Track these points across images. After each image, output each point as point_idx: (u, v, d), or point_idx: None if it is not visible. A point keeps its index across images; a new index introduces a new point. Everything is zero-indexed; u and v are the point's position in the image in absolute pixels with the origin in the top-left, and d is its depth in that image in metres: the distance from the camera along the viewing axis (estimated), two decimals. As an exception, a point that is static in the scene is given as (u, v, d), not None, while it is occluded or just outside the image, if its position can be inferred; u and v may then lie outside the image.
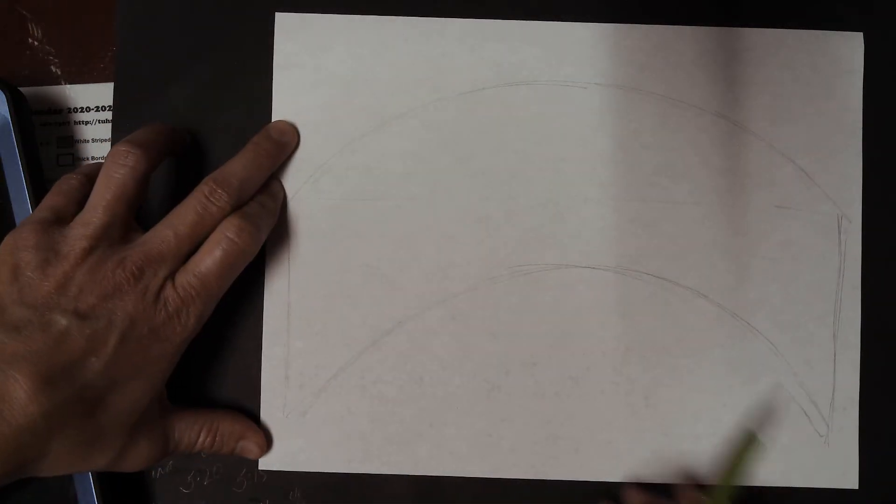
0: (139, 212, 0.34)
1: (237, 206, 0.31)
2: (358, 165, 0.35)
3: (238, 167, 0.31)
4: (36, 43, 0.36)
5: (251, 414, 0.34)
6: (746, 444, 0.32)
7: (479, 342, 0.34)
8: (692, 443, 0.34)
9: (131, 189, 0.30)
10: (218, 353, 0.35)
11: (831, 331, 0.34)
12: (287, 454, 0.34)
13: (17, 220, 0.33)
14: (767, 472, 0.34)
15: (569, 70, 0.35)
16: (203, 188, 0.30)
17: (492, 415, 0.34)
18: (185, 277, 0.29)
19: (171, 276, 0.29)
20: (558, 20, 0.35)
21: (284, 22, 0.35)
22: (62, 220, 0.29)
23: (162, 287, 0.29)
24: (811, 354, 0.34)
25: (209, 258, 0.29)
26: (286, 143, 0.34)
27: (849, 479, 0.34)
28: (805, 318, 0.34)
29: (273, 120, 0.35)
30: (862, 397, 0.34)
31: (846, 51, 0.35)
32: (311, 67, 0.35)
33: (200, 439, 0.32)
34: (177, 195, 0.32)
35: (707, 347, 0.34)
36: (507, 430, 0.34)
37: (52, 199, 0.30)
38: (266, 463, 0.34)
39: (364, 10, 0.35)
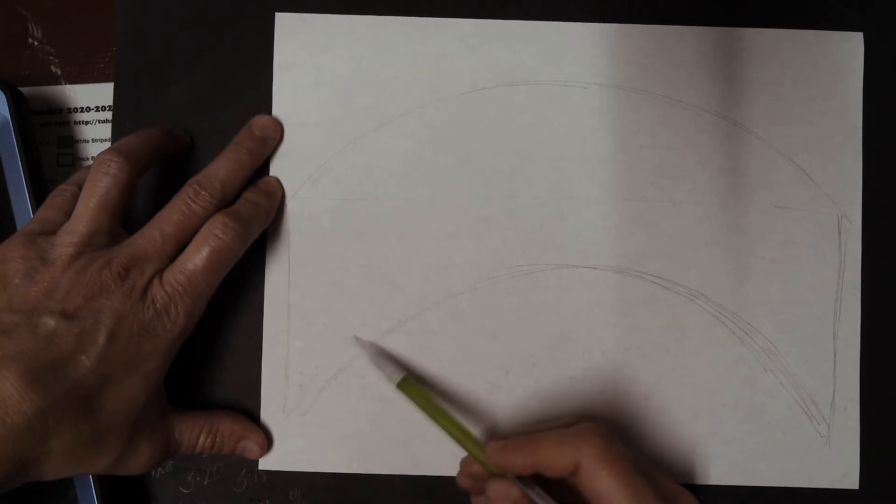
0: (136, 214, 0.34)
1: (222, 205, 0.31)
2: (358, 165, 0.35)
3: (220, 168, 0.32)
4: (36, 43, 0.36)
5: (251, 414, 0.34)
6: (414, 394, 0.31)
7: (479, 342, 0.34)
8: (692, 443, 0.34)
9: (115, 197, 0.30)
10: (218, 353, 0.35)
11: (831, 331, 0.34)
12: (287, 454, 0.34)
13: (17, 220, 0.33)
14: (768, 472, 0.34)
15: (569, 70, 0.35)
16: (187, 190, 0.31)
17: (492, 415, 0.34)
18: (173, 275, 0.30)
19: (159, 274, 0.30)
20: (558, 20, 0.35)
21: (284, 22, 0.35)
22: (50, 230, 0.30)
23: (149, 285, 0.29)
24: (811, 354, 0.34)
25: (196, 255, 0.30)
26: (268, 138, 0.34)
27: (849, 479, 0.34)
28: (805, 318, 0.34)
29: (273, 120, 0.35)
30: (862, 397, 0.34)
31: (846, 51, 0.35)
32: (311, 67, 0.35)
33: (201, 441, 0.32)
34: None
35: (707, 347, 0.34)
36: (507, 430, 0.34)
37: (42, 212, 0.31)
38: (266, 463, 0.34)
39: (364, 10, 0.35)
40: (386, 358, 0.33)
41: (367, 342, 0.34)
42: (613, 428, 0.34)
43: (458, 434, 0.30)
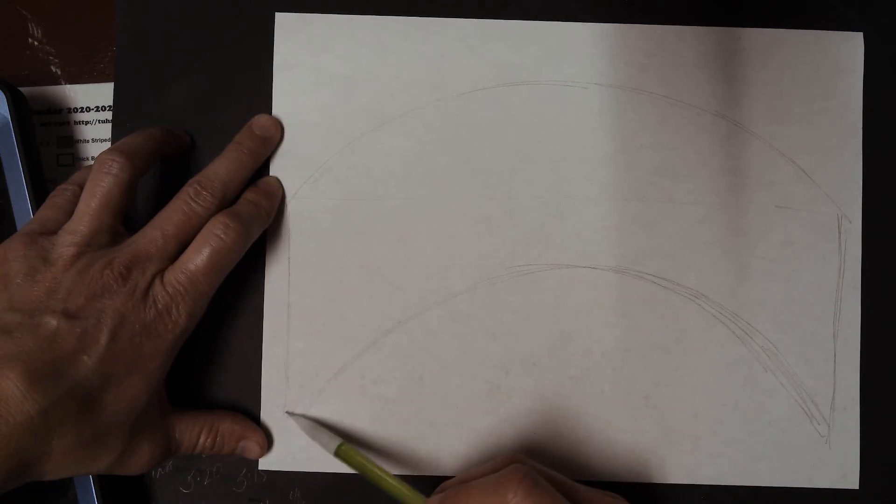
0: (137, 214, 0.34)
1: (223, 205, 0.32)
2: (358, 165, 0.35)
3: (221, 168, 0.32)
4: (36, 43, 0.36)
5: (251, 414, 0.34)
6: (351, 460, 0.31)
7: (479, 342, 0.34)
8: (692, 443, 0.34)
9: (116, 197, 0.30)
10: (218, 353, 0.35)
11: (831, 331, 0.34)
12: (287, 454, 0.34)
13: (17, 220, 0.33)
14: (768, 472, 0.34)
15: (569, 70, 0.35)
16: (188, 190, 0.31)
17: (492, 415, 0.34)
18: (174, 275, 0.30)
19: (160, 274, 0.30)
20: (558, 20, 0.35)
21: (284, 22, 0.35)
22: (51, 230, 0.30)
23: (150, 285, 0.29)
24: (811, 354, 0.34)
25: (197, 256, 0.30)
26: (269, 137, 0.34)
27: (849, 479, 0.34)
28: (805, 318, 0.34)
29: (273, 120, 0.35)
30: (862, 397, 0.34)
31: (846, 51, 0.35)
32: (311, 67, 0.35)
33: (201, 440, 0.32)
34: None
35: (707, 347, 0.34)
36: (507, 430, 0.34)
37: (43, 212, 0.31)
38: (266, 463, 0.34)
39: (364, 10, 0.35)
40: (320, 428, 0.33)
41: (300, 416, 0.34)
42: (612, 429, 0.34)
43: (400, 493, 0.30)
